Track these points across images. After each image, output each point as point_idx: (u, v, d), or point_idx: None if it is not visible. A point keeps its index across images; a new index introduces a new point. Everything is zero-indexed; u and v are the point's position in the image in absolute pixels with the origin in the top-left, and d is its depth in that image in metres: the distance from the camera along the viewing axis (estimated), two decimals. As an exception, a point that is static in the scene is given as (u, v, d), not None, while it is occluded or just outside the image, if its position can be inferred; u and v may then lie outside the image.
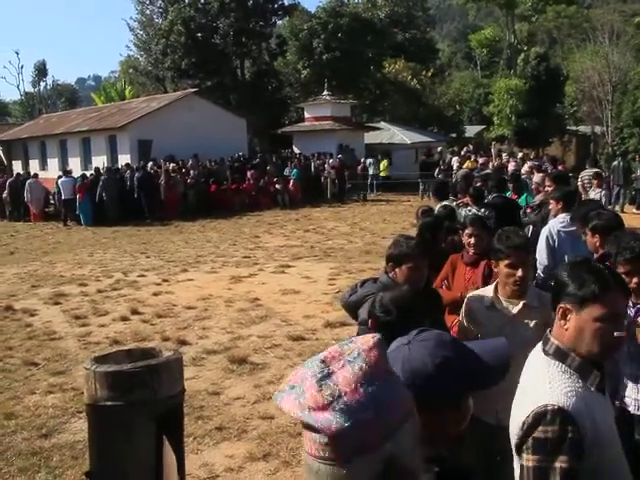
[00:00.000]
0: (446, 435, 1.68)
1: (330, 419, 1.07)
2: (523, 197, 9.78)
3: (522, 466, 2.10)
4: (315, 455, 1.11)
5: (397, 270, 3.97)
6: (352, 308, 3.97)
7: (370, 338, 1.17)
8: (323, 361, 1.14)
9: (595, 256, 4.73)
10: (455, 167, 26.95)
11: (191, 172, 24.74)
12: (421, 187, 27.48)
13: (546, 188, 8.89)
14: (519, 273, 3.72)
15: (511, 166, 22.65)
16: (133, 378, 1.15)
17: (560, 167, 20.74)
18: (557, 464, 2.02)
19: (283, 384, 1.17)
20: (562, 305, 2.24)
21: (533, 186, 10.81)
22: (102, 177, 23.06)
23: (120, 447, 1.14)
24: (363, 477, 1.11)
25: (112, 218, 22.37)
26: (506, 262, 3.75)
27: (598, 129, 38.65)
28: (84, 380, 1.18)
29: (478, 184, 10.05)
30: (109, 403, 1.13)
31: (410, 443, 1.16)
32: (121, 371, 1.15)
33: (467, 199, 8.38)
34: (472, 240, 5.26)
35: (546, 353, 2.27)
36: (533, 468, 2.06)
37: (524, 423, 2.11)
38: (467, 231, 5.32)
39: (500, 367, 1.69)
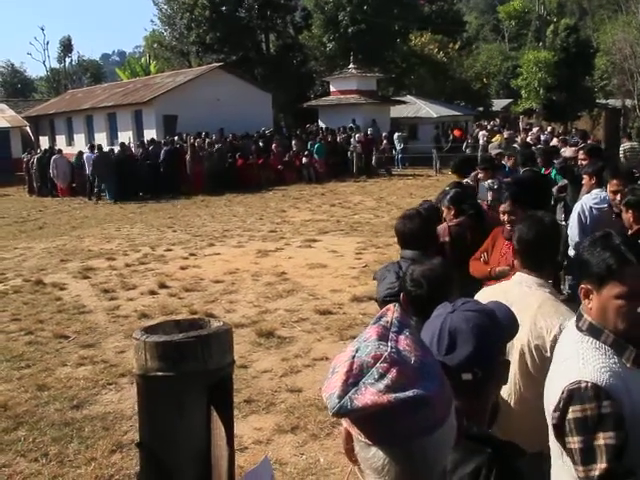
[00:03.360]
0: (488, 407, 1.70)
1: (427, 385, 1.04)
2: (553, 172, 9.63)
3: (570, 449, 2.05)
4: (413, 432, 1.05)
5: None
6: None
7: (393, 307, 1.15)
8: (380, 339, 1.09)
9: (630, 232, 4.65)
10: (481, 141, 26.68)
11: (215, 146, 24.67)
12: (434, 161, 27.41)
13: (579, 162, 8.75)
14: None
15: (529, 139, 22.30)
16: (184, 349, 1.13)
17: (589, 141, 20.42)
18: (601, 441, 1.97)
19: (338, 388, 1.06)
20: (583, 285, 2.19)
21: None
22: (92, 155, 23.22)
23: (171, 418, 1.13)
24: (451, 435, 1.11)
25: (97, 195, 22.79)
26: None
27: (629, 102, 37.83)
28: (134, 350, 1.17)
29: (510, 159, 9.95)
30: (160, 374, 1.12)
31: None
32: (172, 341, 1.13)
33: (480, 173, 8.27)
34: (506, 217, 5.18)
35: (579, 329, 2.23)
36: (580, 450, 2.01)
37: (559, 400, 2.08)
38: (501, 207, 5.24)
39: (514, 323, 1.88)
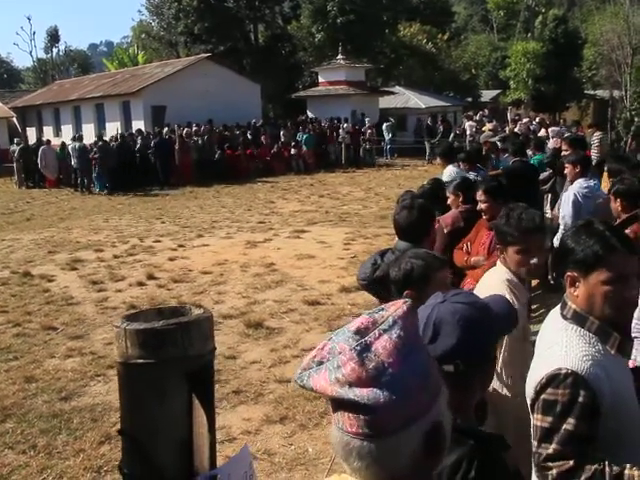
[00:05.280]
0: (474, 401, 1.71)
1: (377, 393, 1.02)
2: (538, 157, 9.61)
3: (534, 426, 2.13)
4: (354, 432, 1.05)
5: None
6: (380, 283, 3.70)
7: (402, 304, 1.10)
8: (357, 332, 1.07)
9: (618, 221, 4.68)
10: (469, 132, 26.70)
11: (204, 137, 24.56)
12: (427, 152, 27.50)
13: (562, 152, 8.77)
14: (534, 260, 3.21)
15: (517, 129, 22.33)
16: (164, 335, 1.14)
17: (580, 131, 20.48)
18: (563, 426, 2.03)
19: (306, 361, 1.09)
20: (569, 273, 2.21)
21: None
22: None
23: (152, 405, 1.14)
24: (406, 448, 1.06)
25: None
26: (518, 248, 3.21)
27: (616, 93, 37.88)
28: (115, 338, 1.18)
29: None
30: (140, 361, 1.13)
31: (447, 405, 1.12)
32: (152, 328, 1.14)
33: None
34: (482, 206, 5.26)
35: (564, 317, 2.25)
36: (541, 428, 2.09)
37: (537, 384, 2.12)
38: (477, 197, 5.34)
39: (512, 317, 1.91)
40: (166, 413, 1.13)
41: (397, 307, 1.09)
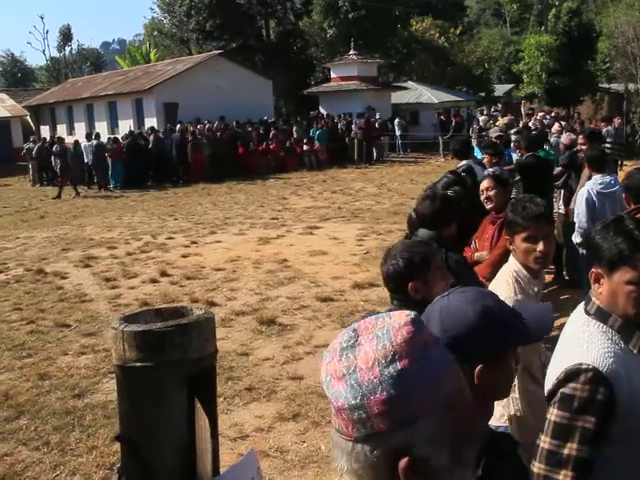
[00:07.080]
0: (486, 399, 1.67)
1: (340, 392, 1.01)
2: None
3: (547, 419, 2.08)
4: (335, 426, 1.05)
5: None
6: None
7: (405, 315, 1.06)
8: (355, 330, 1.06)
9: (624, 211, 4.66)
10: (482, 126, 26.51)
11: (217, 134, 24.59)
12: (441, 147, 27.41)
13: (580, 147, 8.66)
14: (540, 247, 3.17)
15: (530, 123, 22.18)
16: (163, 338, 1.11)
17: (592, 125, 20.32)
18: (580, 423, 1.99)
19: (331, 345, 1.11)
20: (594, 270, 2.17)
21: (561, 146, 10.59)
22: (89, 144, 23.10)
23: (150, 409, 1.11)
24: (366, 462, 1.01)
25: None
26: (524, 235, 3.20)
27: (632, 86, 37.55)
28: (112, 340, 1.14)
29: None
30: (138, 364, 1.10)
31: (436, 439, 1.02)
32: (150, 330, 1.11)
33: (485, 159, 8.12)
34: (490, 193, 5.21)
35: (587, 313, 2.20)
36: (554, 423, 2.04)
37: (557, 379, 2.08)
38: (482, 184, 5.29)
39: (540, 326, 1.70)
40: (165, 417, 1.11)
41: (396, 319, 1.06)
